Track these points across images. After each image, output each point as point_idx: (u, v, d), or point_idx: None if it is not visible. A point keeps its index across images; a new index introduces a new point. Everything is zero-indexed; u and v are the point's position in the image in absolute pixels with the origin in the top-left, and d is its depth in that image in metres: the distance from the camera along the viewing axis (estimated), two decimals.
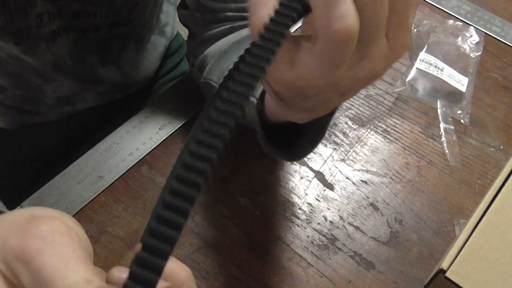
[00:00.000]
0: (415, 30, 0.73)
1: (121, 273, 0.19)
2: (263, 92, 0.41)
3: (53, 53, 0.59)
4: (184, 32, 0.71)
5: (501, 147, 0.64)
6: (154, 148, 0.60)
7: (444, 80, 0.68)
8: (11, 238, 0.17)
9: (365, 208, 0.58)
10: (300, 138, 0.44)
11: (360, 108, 0.66)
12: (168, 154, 0.61)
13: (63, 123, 0.72)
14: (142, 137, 0.61)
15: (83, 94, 0.69)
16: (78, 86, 0.67)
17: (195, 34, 0.58)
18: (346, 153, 0.62)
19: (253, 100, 0.42)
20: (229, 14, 0.54)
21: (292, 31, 0.24)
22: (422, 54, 0.70)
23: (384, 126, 0.64)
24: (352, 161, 0.61)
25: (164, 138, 0.61)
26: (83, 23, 0.59)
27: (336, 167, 0.61)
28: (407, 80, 0.68)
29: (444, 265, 0.44)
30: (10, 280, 0.17)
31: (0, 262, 0.17)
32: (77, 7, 0.56)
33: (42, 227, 0.17)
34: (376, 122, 0.65)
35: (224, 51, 0.53)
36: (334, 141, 0.63)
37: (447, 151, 0.63)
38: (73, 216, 0.55)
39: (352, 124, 0.64)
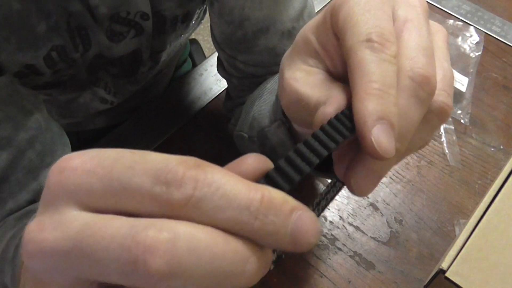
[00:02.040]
0: None
1: None
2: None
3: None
4: None
5: (501, 147, 0.64)
6: (155, 148, 0.60)
7: None
8: None
9: (365, 208, 0.58)
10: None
11: None
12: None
13: (72, 135, 0.71)
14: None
15: (93, 119, 0.68)
16: (94, 114, 0.66)
17: (232, 97, 0.56)
18: None
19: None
20: (268, 78, 0.50)
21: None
22: None
23: None
24: None
25: (164, 139, 0.61)
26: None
27: None
28: None
29: (444, 265, 0.44)
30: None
31: None
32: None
33: None
34: None
35: (248, 104, 0.50)
36: None
37: (447, 151, 0.63)
38: None
39: None
